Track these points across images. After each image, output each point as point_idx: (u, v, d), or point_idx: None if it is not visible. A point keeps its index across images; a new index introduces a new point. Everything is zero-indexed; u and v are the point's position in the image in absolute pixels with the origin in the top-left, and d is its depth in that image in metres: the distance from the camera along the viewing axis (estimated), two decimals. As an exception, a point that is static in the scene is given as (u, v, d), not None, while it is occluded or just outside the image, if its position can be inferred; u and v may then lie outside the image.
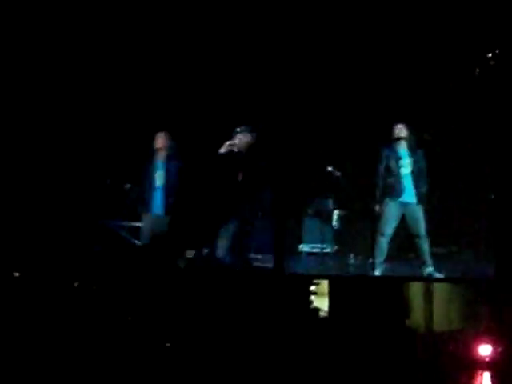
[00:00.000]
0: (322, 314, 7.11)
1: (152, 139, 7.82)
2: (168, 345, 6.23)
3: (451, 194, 7.69)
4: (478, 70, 7.39)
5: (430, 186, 7.57)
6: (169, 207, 7.77)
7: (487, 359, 6.35)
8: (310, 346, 6.29)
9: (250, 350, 6.11)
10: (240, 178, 7.69)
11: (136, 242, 7.90)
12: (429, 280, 7.43)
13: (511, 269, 7.18)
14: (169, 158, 7.80)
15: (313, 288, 7.35)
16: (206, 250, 7.98)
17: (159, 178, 7.74)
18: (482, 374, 6.22)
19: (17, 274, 7.09)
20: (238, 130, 7.74)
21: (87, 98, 7.89)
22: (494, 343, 6.40)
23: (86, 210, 7.80)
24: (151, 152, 7.80)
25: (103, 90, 7.92)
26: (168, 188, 7.77)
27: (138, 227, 7.96)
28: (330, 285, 7.31)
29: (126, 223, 8.10)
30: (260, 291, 6.96)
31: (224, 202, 7.69)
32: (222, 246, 7.75)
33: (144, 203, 7.86)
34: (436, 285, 7.43)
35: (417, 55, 7.56)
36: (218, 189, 7.66)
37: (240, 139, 7.73)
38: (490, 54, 7.34)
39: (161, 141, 7.78)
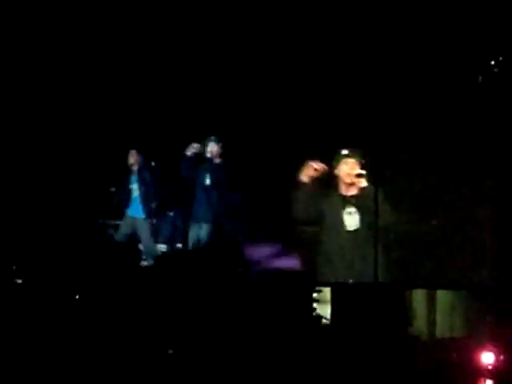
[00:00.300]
0: (324, 321, 7.09)
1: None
2: (171, 351, 6.24)
3: (453, 198, 7.69)
4: (480, 77, 7.40)
5: (432, 190, 7.60)
6: (149, 211, 9.15)
7: (490, 367, 6.32)
8: (313, 354, 6.27)
9: (251, 358, 6.10)
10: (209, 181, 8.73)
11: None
12: (432, 287, 7.42)
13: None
14: (141, 170, 9.15)
15: (315, 295, 7.34)
16: (178, 245, 9.33)
17: (135, 191, 9.12)
18: (484, 382, 6.20)
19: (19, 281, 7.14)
20: (211, 138, 8.68)
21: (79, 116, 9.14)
22: (497, 351, 6.38)
23: (81, 212, 8.65)
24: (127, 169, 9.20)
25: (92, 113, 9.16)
26: (146, 194, 9.12)
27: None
28: (333, 292, 7.30)
29: (112, 222, 9.49)
30: (262, 297, 6.95)
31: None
32: (193, 243, 8.75)
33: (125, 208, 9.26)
34: (439, 292, 7.41)
35: (419, 62, 7.57)
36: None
37: (211, 146, 8.65)
38: (493, 62, 7.35)
39: (132, 157, 9.12)
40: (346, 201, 7.36)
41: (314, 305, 7.21)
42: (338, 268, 7.31)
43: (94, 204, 9.24)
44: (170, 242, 9.61)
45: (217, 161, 8.70)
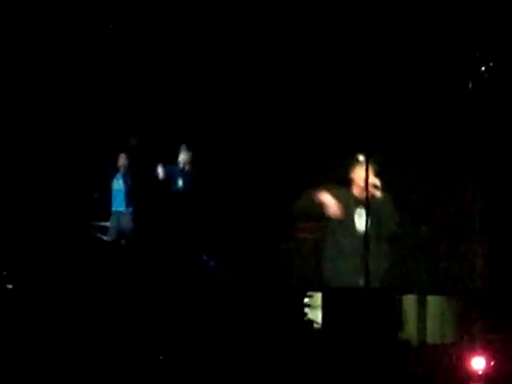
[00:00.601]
0: (315, 326, 7.11)
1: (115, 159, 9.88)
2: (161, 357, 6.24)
3: (445, 205, 7.71)
4: (471, 83, 7.43)
5: (425, 197, 7.61)
6: (128, 203, 9.80)
7: (480, 372, 6.33)
8: (304, 359, 6.28)
9: (244, 362, 6.10)
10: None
11: (104, 237, 9.78)
12: (422, 292, 7.43)
13: (504, 281, 7.20)
14: (127, 171, 9.85)
15: (306, 300, 7.35)
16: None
17: (118, 184, 9.89)
18: (474, 388, 6.22)
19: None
20: (182, 146, 9.35)
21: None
22: (488, 356, 6.39)
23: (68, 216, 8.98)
24: (115, 167, 9.91)
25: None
26: (128, 190, 9.80)
27: (105, 226, 9.91)
28: (324, 297, 7.31)
29: (95, 223, 10.06)
30: (254, 303, 6.96)
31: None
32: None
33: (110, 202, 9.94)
34: (429, 297, 7.42)
35: (410, 67, 7.60)
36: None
37: (182, 154, 9.32)
38: (484, 68, 7.38)
39: (121, 160, 9.90)
40: (358, 202, 7.40)
41: (306, 310, 7.22)
42: (341, 267, 7.33)
43: (79, 208, 9.67)
44: None
45: (187, 168, 9.43)
